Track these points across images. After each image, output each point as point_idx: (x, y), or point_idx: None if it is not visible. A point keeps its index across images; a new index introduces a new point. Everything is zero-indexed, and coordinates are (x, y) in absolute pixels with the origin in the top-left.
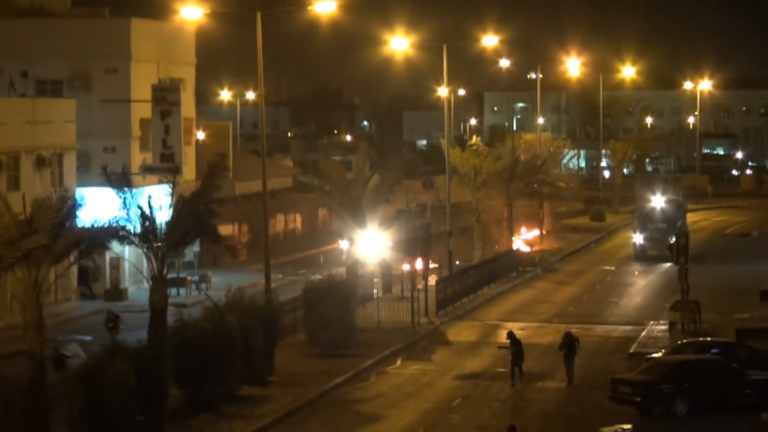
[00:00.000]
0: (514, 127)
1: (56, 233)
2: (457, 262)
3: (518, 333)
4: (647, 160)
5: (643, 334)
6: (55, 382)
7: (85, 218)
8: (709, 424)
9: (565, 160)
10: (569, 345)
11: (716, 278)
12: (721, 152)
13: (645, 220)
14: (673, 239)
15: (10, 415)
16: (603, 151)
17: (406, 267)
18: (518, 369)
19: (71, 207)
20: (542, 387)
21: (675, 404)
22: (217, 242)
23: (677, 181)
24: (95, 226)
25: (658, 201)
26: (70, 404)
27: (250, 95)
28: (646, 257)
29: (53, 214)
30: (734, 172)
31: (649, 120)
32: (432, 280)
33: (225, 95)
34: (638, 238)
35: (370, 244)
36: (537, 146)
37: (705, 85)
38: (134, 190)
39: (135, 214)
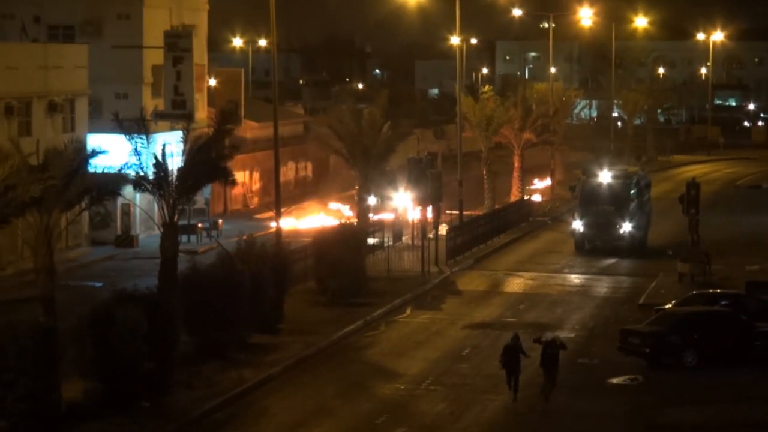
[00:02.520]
0: (526, 77)
1: (68, 180)
2: (470, 212)
3: (528, 282)
4: (659, 111)
5: (653, 285)
6: (66, 329)
7: (96, 164)
8: (717, 375)
9: (576, 110)
10: (551, 356)
11: (726, 230)
12: (733, 103)
13: (587, 201)
14: (624, 227)
15: (22, 361)
16: (614, 101)
17: (416, 216)
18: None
19: (85, 156)
20: (551, 335)
21: (684, 355)
22: (231, 184)
23: (641, 158)
24: (107, 172)
25: (604, 176)
26: (81, 350)
27: (262, 42)
28: (587, 249)
29: (67, 163)
30: (746, 124)
31: (661, 71)
32: (442, 229)
33: (237, 42)
34: (577, 225)
35: (381, 193)
36: (549, 96)
37: (718, 36)
38: (147, 137)
39: (147, 160)
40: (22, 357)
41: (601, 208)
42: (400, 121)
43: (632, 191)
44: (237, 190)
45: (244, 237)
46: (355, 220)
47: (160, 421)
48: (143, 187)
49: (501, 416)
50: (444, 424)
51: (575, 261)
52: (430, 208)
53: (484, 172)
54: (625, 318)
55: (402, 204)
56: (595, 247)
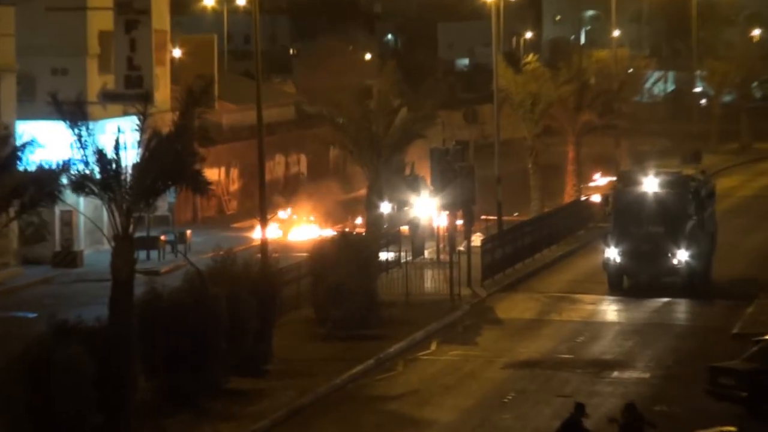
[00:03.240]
0: (582, 42)
1: None
2: (516, 214)
3: (588, 308)
4: (754, 85)
5: (750, 310)
6: None
7: (29, 159)
8: None
9: (648, 84)
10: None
11: None
12: None
13: (625, 219)
14: (679, 256)
15: None
16: (697, 73)
17: (442, 223)
18: None
19: (14, 149)
20: (619, 378)
21: None
22: (201, 190)
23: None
24: (42, 169)
25: (649, 184)
26: (9, 400)
27: (241, 1)
28: (626, 286)
29: None
30: None
31: (756, 32)
32: (477, 239)
33: (208, 1)
34: (612, 253)
35: (396, 194)
36: (612, 67)
37: None
38: (92, 124)
39: (93, 154)
40: None
41: (646, 230)
42: (420, 101)
43: (690, 204)
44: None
45: (220, 252)
46: (362, 230)
47: None
48: (88, 190)
49: None
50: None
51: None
52: (460, 214)
53: (530, 166)
54: (715, 352)
55: (424, 208)
56: (638, 283)
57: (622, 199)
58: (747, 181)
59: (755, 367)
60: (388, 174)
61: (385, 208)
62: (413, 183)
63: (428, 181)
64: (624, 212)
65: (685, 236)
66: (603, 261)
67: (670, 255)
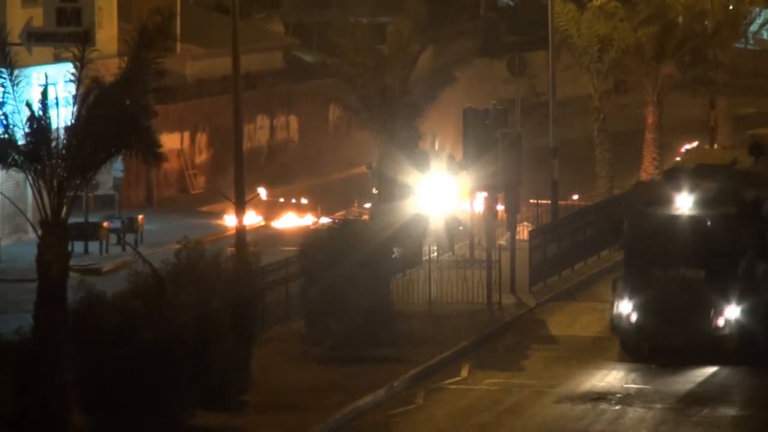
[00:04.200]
0: None
1: None
2: (576, 197)
3: None
4: None
5: None
6: None
7: None
8: None
9: (753, 27)
10: None
11: None
12: None
13: (645, 257)
14: (727, 313)
15: None
16: None
17: (478, 209)
18: None
19: None
20: (710, 415)
21: None
22: (153, 158)
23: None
24: None
25: (683, 203)
26: None
27: None
28: (645, 351)
29: None
30: None
31: None
32: (523, 231)
33: None
34: (625, 307)
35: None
36: (706, 2)
37: None
38: (15, 72)
39: (15, 112)
40: None
41: (676, 274)
42: (449, 45)
43: (746, 226)
44: (170, 165)
45: (183, 245)
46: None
47: None
48: (10, 160)
49: None
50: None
51: None
52: (501, 197)
53: (596, 134)
54: None
55: (453, 189)
56: (664, 348)
57: (640, 227)
58: None
59: None
60: (404, 139)
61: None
62: (423, 161)
63: (456, 157)
64: (643, 246)
65: (737, 282)
66: (612, 319)
67: (712, 311)
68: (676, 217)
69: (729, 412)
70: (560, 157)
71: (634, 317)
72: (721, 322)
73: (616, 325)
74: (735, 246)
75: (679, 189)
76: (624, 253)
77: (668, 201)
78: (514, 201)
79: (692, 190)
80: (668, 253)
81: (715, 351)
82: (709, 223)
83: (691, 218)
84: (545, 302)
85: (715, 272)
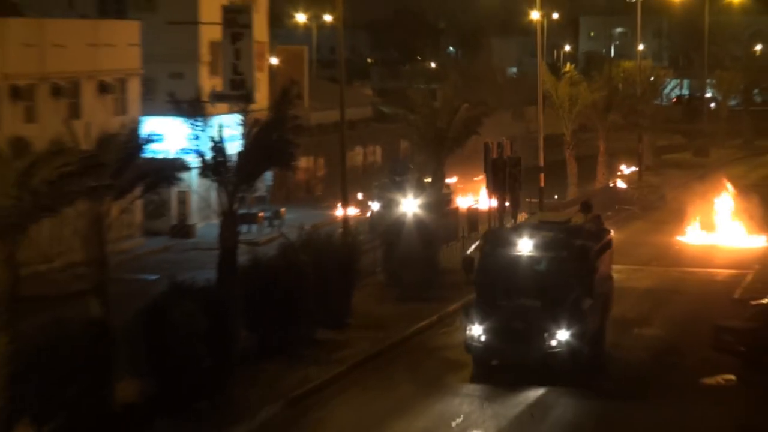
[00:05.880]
0: (612, 54)
1: (122, 166)
2: (555, 197)
3: (615, 275)
4: (755, 91)
5: (749, 278)
6: (120, 324)
7: (151, 148)
8: None
9: (666, 90)
10: None
11: None
12: None
13: (492, 288)
14: (558, 336)
15: (76, 360)
16: (708, 81)
17: (493, 204)
18: None
19: (140, 141)
20: (639, 334)
21: None
22: (292, 170)
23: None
24: (161, 157)
25: (523, 244)
26: (135, 347)
27: (327, 18)
28: (493, 369)
29: (121, 148)
30: None
31: (758, 48)
32: (522, 217)
33: (300, 18)
34: (476, 331)
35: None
36: (636, 75)
37: None
38: (204, 119)
39: (205, 144)
40: (74, 355)
41: (517, 303)
42: (476, 102)
43: (575, 267)
44: (300, 177)
45: (308, 227)
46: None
47: (218, 422)
48: (202, 173)
49: (578, 426)
50: (525, 424)
51: (665, 253)
52: (507, 197)
53: (567, 157)
54: (719, 314)
55: (478, 192)
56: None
57: (489, 262)
58: (748, 171)
59: (752, 326)
60: (449, 161)
61: (375, 206)
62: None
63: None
64: (491, 278)
65: (568, 310)
66: (466, 340)
67: (546, 334)
68: (518, 257)
69: (650, 331)
70: (545, 172)
71: (483, 338)
72: (553, 342)
73: (468, 345)
74: (565, 282)
75: (522, 237)
76: (475, 285)
77: (513, 245)
78: (516, 200)
79: (532, 237)
80: (511, 286)
81: (547, 367)
82: (544, 263)
83: (531, 258)
84: None
85: (548, 303)
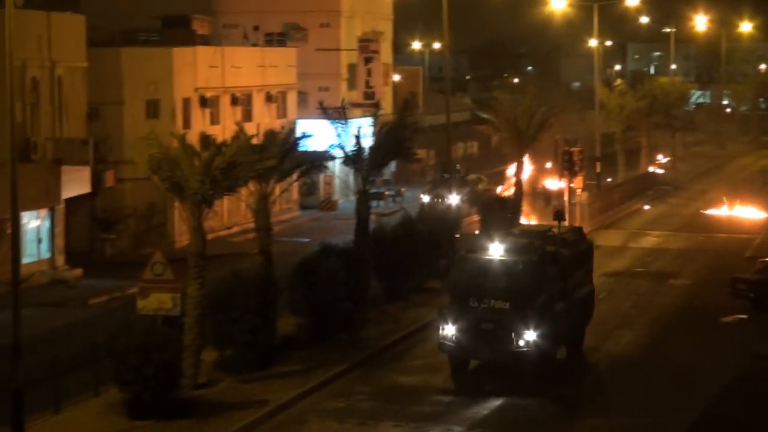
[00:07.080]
0: (652, 72)
1: (283, 156)
2: (608, 180)
3: (654, 239)
4: (761, 100)
5: (758, 241)
6: (281, 276)
7: (303, 143)
8: None
9: (693, 99)
10: None
11: None
12: None
13: (465, 292)
14: (526, 336)
15: (247, 302)
16: (724, 92)
17: (561, 185)
18: None
19: (297, 138)
20: (673, 284)
21: None
22: (411, 161)
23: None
24: (312, 150)
25: (496, 250)
26: (293, 293)
27: (437, 45)
28: (467, 366)
29: (282, 143)
30: None
31: (763, 67)
32: (584, 196)
33: (416, 45)
34: (449, 330)
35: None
36: (670, 87)
37: None
38: (345, 121)
39: (347, 140)
40: (247, 298)
41: (488, 305)
42: (549, 108)
43: (543, 272)
44: (416, 165)
45: (425, 202)
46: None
47: (355, 350)
48: (344, 162)
49: (630, 349)
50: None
51: (694, 221)
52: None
53: (617, 149)
54: (735, 268)
55: (550, 178)
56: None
57: (464, 267)
58: (756, 160)
59: (760, 278)
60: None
61: (425, 198)
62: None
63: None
64: (465, 283)
65: (536, 311)
66: (439, 340)
67: (513, 335)
68: (490, 261)
69: (681, 281)
70: (601, 161)
71: (455, 338)
72: (521, 343)
73: (441, 344)
74: (534, 285)
75: (494, 241)
76: (449, 287)
77: (485, 249)
78: (580, 182)
79: (504, 242)
80: (482, 288)
81: (516, 366)
82: (518, 266)
83: (501, 262)
84: (594, 229)
85: (517, 305)
